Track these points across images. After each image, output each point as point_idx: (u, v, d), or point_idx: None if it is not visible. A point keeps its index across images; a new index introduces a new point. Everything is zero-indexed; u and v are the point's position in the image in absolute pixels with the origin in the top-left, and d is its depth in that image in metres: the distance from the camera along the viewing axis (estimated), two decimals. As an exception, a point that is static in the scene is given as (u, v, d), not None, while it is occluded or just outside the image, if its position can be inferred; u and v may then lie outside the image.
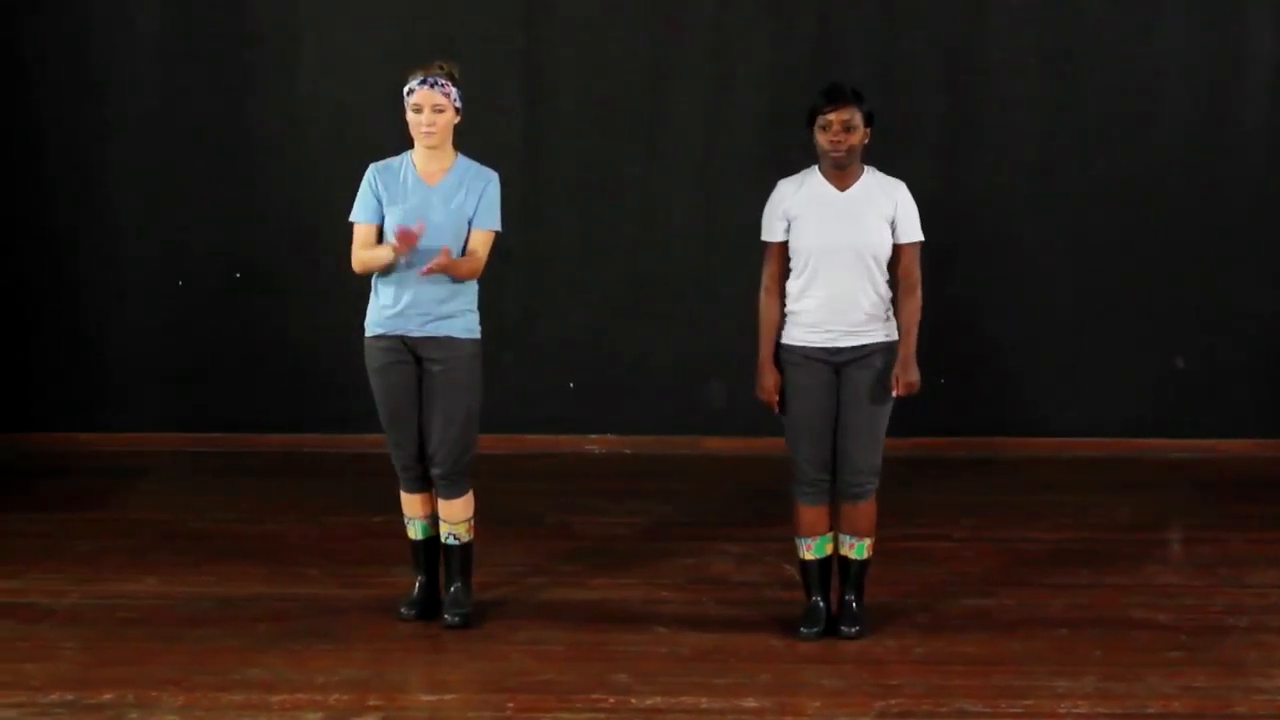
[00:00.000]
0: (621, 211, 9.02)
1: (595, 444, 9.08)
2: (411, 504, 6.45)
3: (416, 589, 6.47)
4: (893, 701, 5.66)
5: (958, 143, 8.94)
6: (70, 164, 8.91)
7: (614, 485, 8.40)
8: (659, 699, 5.66)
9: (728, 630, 6.34)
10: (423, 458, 6.31)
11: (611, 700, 5.65)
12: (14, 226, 8.93)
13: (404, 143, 6.30)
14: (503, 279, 8.86)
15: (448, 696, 5.70)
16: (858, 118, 6.10)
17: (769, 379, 6.25)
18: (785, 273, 6.24)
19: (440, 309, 6.20)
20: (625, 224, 9.03)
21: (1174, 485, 8.52)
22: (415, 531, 6.48)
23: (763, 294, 6.28)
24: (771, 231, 6.24)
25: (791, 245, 6.21)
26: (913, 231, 6.22)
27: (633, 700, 5.65)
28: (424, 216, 6.14)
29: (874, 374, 6.18)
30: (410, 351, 6.23)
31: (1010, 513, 7.95)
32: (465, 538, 6.40)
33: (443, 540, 6.41)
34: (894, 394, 6.20)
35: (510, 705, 5.61)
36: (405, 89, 6.19)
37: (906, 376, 6.19)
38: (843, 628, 6.26)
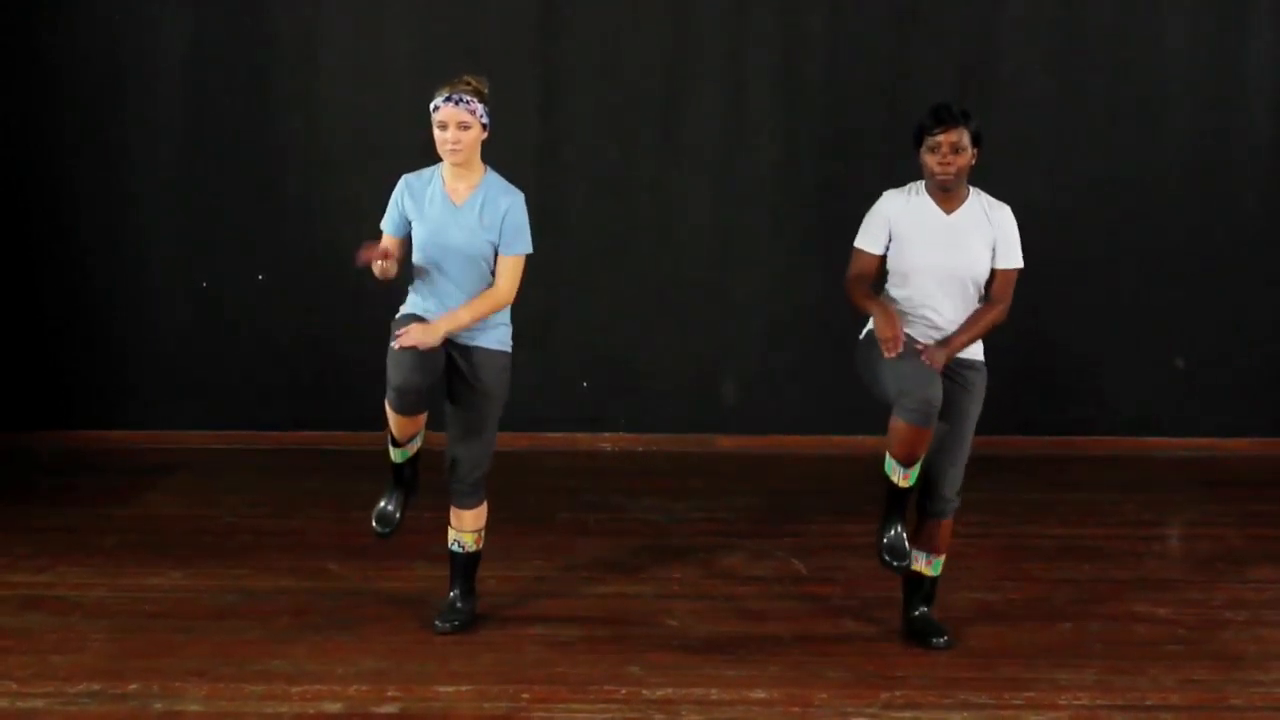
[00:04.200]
0: (637, 213, 9.08)
1: (609, 442, 9.15)
2: (402, 424, 6.07)
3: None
4: (898, 693, 5.73)
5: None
6: (98, 168, 8.99)
7: (628, 482, 8.44)
8: (670, 690, 5.72)
9: (738, 624, 6.41)
10: (426, 396, 6.00)
11: (624, 692, 5.71)
12: (44, 229, 9.03)
13: (427, 147, 6.09)
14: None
15: (464, 688, 5.75)
16: (966, 138, 5.86)
17: (894, 321, 5.77)
18: (869, 281, 6.02)
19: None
20: (641, 226, 9.09)
21: (1178, 483, 8.57)
22: (398, 456, 6.20)
23: (853, 288, 5.98)
24: (872, 243, 6.00)
25: (892, 263, 6.01)
26: (1012, 257, 6.01)
27: (644, 692, 5.71)
28: (442, 238, 5.98)
29: (969, 393, 6.05)
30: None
31: (1017, 508, 8.00)
32: (472, 548, 6.33)
33: (449, 547, 6.37)
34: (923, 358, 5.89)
35: (525, 696, 5.67)
36: (431, 105, 5.99)
37: (941, 350, 5.89)
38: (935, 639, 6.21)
